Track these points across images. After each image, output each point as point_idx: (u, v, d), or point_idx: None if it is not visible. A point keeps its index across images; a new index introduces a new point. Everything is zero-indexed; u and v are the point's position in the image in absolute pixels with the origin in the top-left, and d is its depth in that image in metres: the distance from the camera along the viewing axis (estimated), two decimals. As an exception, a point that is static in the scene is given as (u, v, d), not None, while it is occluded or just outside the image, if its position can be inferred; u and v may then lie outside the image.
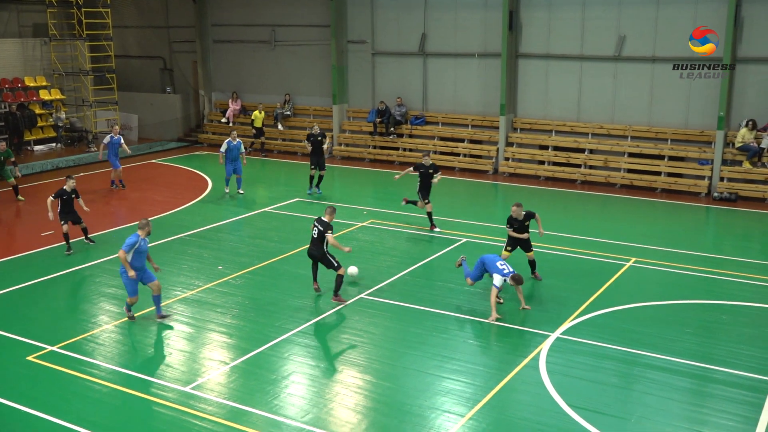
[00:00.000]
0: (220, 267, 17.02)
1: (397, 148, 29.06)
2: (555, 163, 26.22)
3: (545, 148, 26.60)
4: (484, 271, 14.41)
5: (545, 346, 12.80)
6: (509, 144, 27.19)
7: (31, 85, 32.12)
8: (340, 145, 30.51)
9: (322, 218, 14.84)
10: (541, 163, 26.40)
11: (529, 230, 15.66)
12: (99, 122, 33.09)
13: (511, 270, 14.04)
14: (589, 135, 25.95)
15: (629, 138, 25.29)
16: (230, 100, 33.16)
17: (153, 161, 30.02)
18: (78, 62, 33.21)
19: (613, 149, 25.35)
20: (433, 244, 18.46)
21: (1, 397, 11.36)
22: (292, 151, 30.98)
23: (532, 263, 15.93)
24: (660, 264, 16.91)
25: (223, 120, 33.24)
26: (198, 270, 16.92)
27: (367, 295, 15.21)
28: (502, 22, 26.31)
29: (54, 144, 32.20)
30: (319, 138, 23.07)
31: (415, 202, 19.89)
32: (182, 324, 13.98)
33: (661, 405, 10.99)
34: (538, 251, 16.16)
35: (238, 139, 23.07)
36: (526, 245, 15.76)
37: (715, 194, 23.19)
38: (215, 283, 15.99)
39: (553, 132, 26.61)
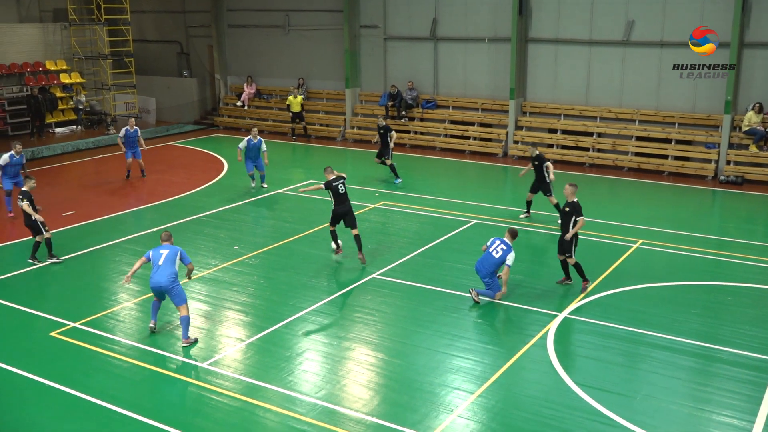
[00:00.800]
0: (236, 247, 17.33)
1: (408, 131, 29.27)
2: (564, 147, 26.39)
3: (554, 131, 26.76)
4: (495, 267, 14.05)
5: (553, 326, 13.00)
6: (518, 127, 27.37)
7: (52, 68, 32.52)
8: (352, 128, 30.76)
9: (341, 175, 16.18)
10: (550, 146, 26.56)
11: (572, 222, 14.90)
12: (118, 105, 33.50)
13: (505, 240, 13.98)
14: (598, 119, 26.09)
15: (637, 122, 25.41)
16: (245, 84, 33.44)
17: (170, 143, 30.38)
18: (97, 46, 33.55)
19: (621, 133, 25.48)
20: (443, 226, 18.64)
21: (25, 371, 11.70)
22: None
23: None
24: (666, 246, 17.08)
25: (239, 103, 33.56)
26: (214, 250, 17.23)
27: (379, 275, 15.46)
28: (512, 6, 26.41)
29: (75, 126, 32.64)
30: (381, 131, 23.24)
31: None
32: (199, 302, 14.28)
33: (666, 384, 11.16)
34: (546, 233, 16.25)
35: (258, 137, 22.14)
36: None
37: (722, 177, 23.33)
38: (231, 262, 16.30)
39: (562, 116, 26.76)
